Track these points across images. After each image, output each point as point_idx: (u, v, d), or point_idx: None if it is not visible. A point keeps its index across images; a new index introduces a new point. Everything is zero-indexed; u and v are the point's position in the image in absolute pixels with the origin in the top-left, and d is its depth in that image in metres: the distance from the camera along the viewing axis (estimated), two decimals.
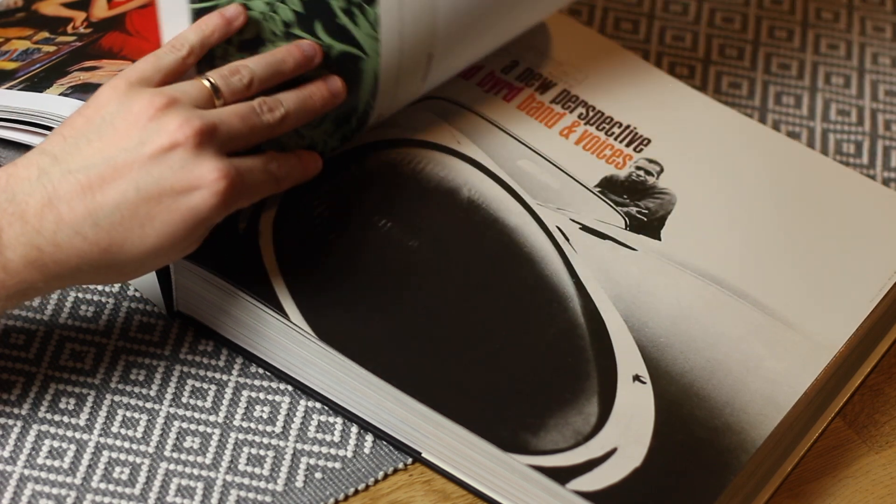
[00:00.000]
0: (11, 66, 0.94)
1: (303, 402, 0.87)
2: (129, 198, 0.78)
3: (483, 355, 0.85)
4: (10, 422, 0.85)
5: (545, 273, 0.89)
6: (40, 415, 0.85)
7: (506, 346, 0.85)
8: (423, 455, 0.85)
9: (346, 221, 0.89)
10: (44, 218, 0.78)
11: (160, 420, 0.86)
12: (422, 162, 0.93)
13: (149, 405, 0.86)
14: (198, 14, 0.83)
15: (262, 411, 0.87)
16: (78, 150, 0.79)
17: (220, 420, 0.86)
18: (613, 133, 0.97)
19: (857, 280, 0.91)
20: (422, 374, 0.83)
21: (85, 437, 0.85)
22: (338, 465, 0.85)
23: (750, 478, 0.83)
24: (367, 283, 0.87)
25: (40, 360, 0.87)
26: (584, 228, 0.91)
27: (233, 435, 0.86)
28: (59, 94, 0.88)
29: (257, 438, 0.86)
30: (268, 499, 0.83)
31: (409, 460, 0.86)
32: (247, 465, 0.84)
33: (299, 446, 0.85)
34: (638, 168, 0.95)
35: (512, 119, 0.97)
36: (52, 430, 0.85)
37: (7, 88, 0.90)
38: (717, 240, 0.92)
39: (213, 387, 0.87)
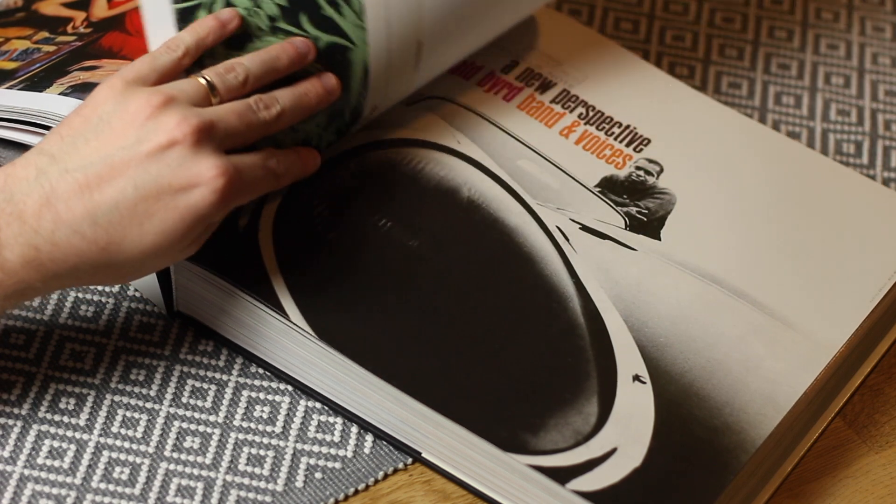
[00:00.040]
0: (11, 65, 0.94)
1: (303, 402, 0.87)
2: (127, 196, 0.78)
3: (483, 355, 0.85)
4: (10, 422, 0.85)
5: (545, 273, 0.89)
6: (40, 415, 0.85)
7: (505, 345, 0.85)
8: (423, 455, 0.85)
9: (346, 221, 0.89)
10: (42, 217, 0.78)
11: (160, 420, 0.86)
12: (422, 162, 0.93)
13: (149, 405, 0.86)
14: (181, 14, 0.84)
15: (262, 411, 0.87)
16: (76, 150, 0.79)
17: (220, 420, 0.86)
18: (613, 133, 0.97)
19: (857, 280, 0.91)
20: (422, 374, 0.83)
21: (85, 437, 0.85)
22: (338, 465, 0.85)
23: (750, 478, 0.83)
24: (367, 282, 0.87)
25: (40, 360, 0.87)
26: (584, 228, 0.91)
27: (233, 435, 0.86)
28: (59, 94, 0.88)
29: (257, 438, 0.86)
30: (268, 499, 0.83)
31: (409, 460, 0.86)
32: (247, 465, 0.84)
33: (299, 446, 0.85)
34: (638, 168, 0.95)
35: (512, 119, 0.97)
36: (52, 430, 0.85)
37: (7, 88, 0.90)
38: (717, 240, 0.92)
39: (213, 387, 0.87)
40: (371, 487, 0.85)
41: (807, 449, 0.87)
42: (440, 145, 0.94)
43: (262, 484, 0.84)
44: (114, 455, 0.84)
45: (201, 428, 0.86)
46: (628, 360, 0.85)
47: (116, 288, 0.91)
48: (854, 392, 0.90)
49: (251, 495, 0.83)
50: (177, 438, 0.85)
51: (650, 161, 0.96)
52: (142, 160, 0.78)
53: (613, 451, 0.82)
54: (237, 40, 0.85)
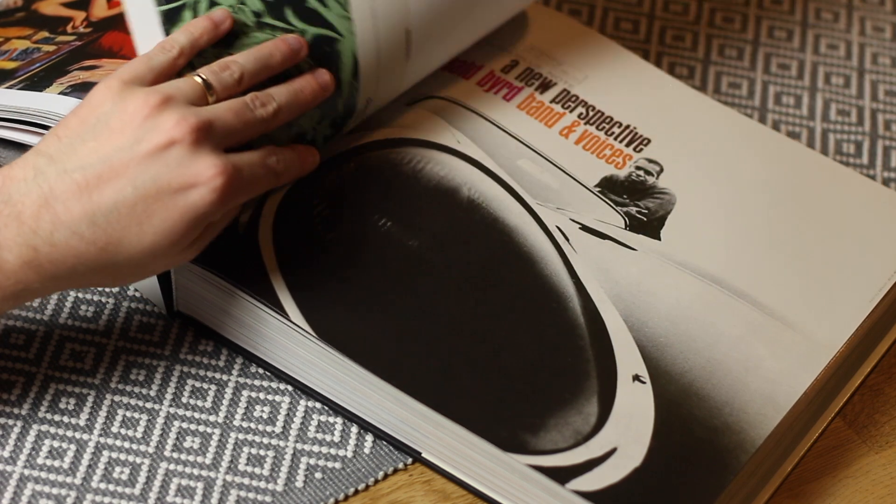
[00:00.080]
0: (11, 65, 0.94)
1: (303, 402, 0.87)
2: (126, 196, 0.78)
3: (483, 355, 0.85)
4: (10, 422, 0.85)
5: (545, 273, 0.89)
6: (40, 415, 0.85)
7: (505, 345, 0.85)
8: (423, 455, 0.85)
9: (346, 221, 0.89)
10: (40, 218, 0.78)
11: (160, 420, 0.86)
12: (421, 161, 0.93)
13: (149, 405, 0.86)
14: (166, 16, 0.84)
15: (262, 411, 0.87)
16: (74, 151, 0.79)
17: (220, 420, 0.86)
18: (613, 133, 0.97)
19: (857, 280, 0.91)
20: (421, 374, 0.83)
21: (85, 437, 0.85)
22: (338, 465, 0.85)
23: (750, 478, 0.83)
24: (367, 282, 0.87)
25: (40, 360, 0.87)
26: (584, 228, 0.91)
27: (233, 435, 0.86)
28: (59, 94, 0.88)
29: (257, 438, 0.86)
30: (268, 499, 0.83)
31: (409, 460, 0.86)
32: (247, 465, 0.84)
33: (299, 446, 0.85)
34: (638, 168, 0.95)
35: (512, 118, 0.97)
36: (52, 430, 0.85)
37: (7, 88, 0.90)
38: (716, 240, 0.92)
39: (213, 387, 0.87)
40: (371, 487, 0.85)
41: (807, 449, 0.87)
42: (440, 145, 0.94)
43: (262, 484, 0.84)
44: (114, 455, 0.84)
45: (201, 428, 0.86)
46: (628, 360, 0.85)
47: (116, 288, 0.91)
48: (854, 392, 0.90)
49: (251, 495, 0.83)
50: (177, 438, 0.85)
51: (650, 161, 0.96)
52: (141, 160, 0.78)
53: (613, 451, 0.82)
54: (225, 38, 0.85)
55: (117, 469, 0.84)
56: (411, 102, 0.96)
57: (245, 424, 0.86)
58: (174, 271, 0.87)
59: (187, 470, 0.84)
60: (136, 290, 0.91)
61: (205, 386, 0.87)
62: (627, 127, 0.98)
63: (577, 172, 0.94)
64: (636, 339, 0.86)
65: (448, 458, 0.84)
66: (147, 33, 0.84)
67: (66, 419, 0.85)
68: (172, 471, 0.84)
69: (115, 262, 0.79)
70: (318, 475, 0.85)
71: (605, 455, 0.81)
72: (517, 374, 0.84)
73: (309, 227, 0.88)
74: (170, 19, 0.84)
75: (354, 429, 0.87)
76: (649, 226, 0.92)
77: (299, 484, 0.84)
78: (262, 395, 0.87)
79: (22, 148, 0.89)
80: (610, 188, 0.94)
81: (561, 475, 0.80)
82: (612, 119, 0.98)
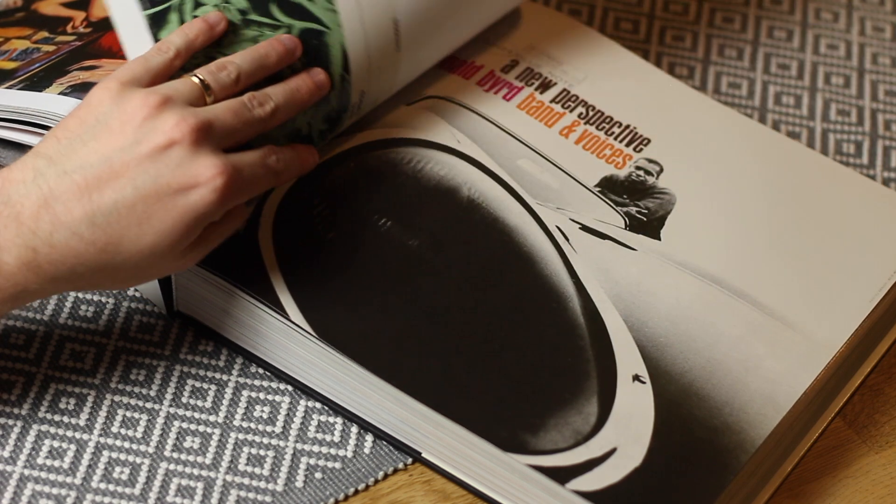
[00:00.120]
0: (11, 65, 0.94)
1: (303, 402, 0.87)
2: (126, 196, 0.78)
3: (483, 355, 0.85)
4: (10, 422, 0.85)
5: (545, 273, 0.89)
6: (40, 415, 0.85)
7: (505, 345, 0.85)
8: (423, 455, 0.85)
9: (346, 220, 0.89)
10: (40, 219, 0.78)
11: (160, 420, 0.86)
12: (421, 161, 0.93)
13: (149, 405, 0.86)
14: (153, 19, 0.84)
15: (262, 411, 0.87)
16: (73, 152, 0.79)
17: (220, 420, 0.86)
18: (613, 133, 0.97)
19: (857, 280, 0.91)
20: (421, 374, 0.83)
21: (85, 437, 0.85)
22: (338, 465, 0.85)
23: (750, 478, 0.83)
24: (367, 282, 0.87)
25: (40, 360, 0.87)
26: (584, 228, 0.91)
27: (233, 435, 0.86)
28: (59, 94, 0.88)
29: (257, 438, 0.86)
30: (268, 499, 0.83)
31: (409, 460, 0.86)
32: (247, 465, 0.85)
33: (299, 446, 0.85)
34: (638, 168, 0.95)
35: (512, 118, 0.97)
36: (52, 430, 0.85)
37: (7, 88, 0.90)
38: (716, 240, 0.92)
39: (213, 387, 0.87)
40: (371, 487, 0.85)
41: (807, 449, 0.87)
42: (440, 145, 0.94)
43: (262, 484, 0.84)
44: (114, 455, 0.84)
45: (201, 428, 0.86)
46: (628, 360, 0.85)
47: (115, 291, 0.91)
48: (854, 392, 0.90)
49: (251, 495, 0.83)
50: (177, 438, 0.85)
51: (650, 161, 0.96)
52: (141, 161, 0.78)
53: (613, 451, 0.82)
54: None
55: (117, 469, 0.84)
56: (411, 102, 0.96)
57: (245, 424, 0.86)
58: None
59: (187, 470, 0.84)
60: (136, 290, 0.91)
61: (205, 386, 0.87)
62: (627, 127, 0.98)
63: (577, 172, 0.94)
64: (636, 339, 0.86)
65: (448, 458, 0.84)
66: (135, 38, 0.84)
67: (66, 419, 0.85)
68: (172, 471, 0.84)
69: (114, 262, 0.79)
70: (318, 475, 0.85)
71: (605, 455, 0.81)
72: (517, 374, 0.84)
73: (309, 227, 0.88)
74: (156, 23, 0.84)
75: (354, 429, 0.87)
76: (649, 226, 0.92)
77: (299, 484, 0.84)
78: (262, 395, 0.87)
79: (21, 148, 0.89)
80: (610, 188, 0.94)
81: (561, 475, 0.80)
82: (612, 119, 0.98)
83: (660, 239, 0.92)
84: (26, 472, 0.83)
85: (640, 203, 0.93)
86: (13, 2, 1.01)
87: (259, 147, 0.83)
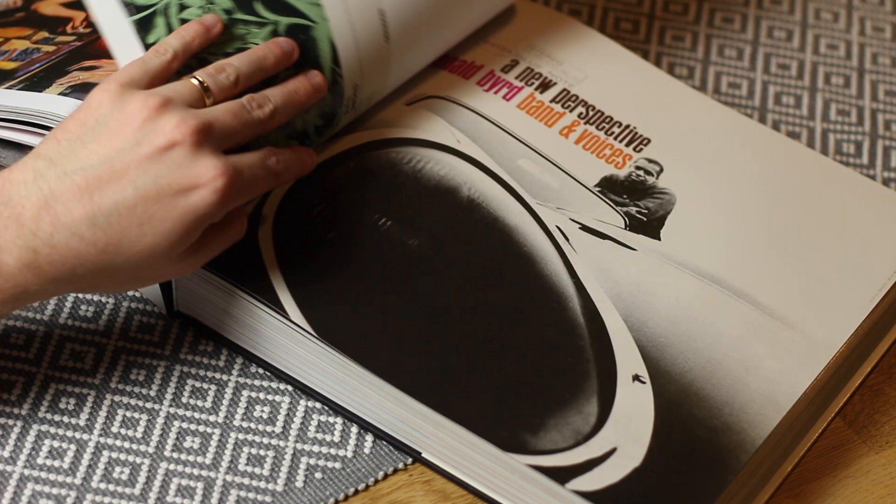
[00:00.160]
0: (11, 65, 0.94)
1: (303, 402, 0.87)
2: (127, 197, 0.78)
3: (482, 355, 0.85)
4: (10, 422, 0.85)
5: (545, 273, 0.89)
6: (40, 415, 0.85)
7: (505, 345, 0.85)
8: (423, 455, 0.85)
9: (346, 220, 0.89)
10: (40, 220, 0.78)
11: (160, 420, 0.86)
12: (421, 161, 0.93)
13: (149, 405, 0.86)
14: (140, 25, 0.84)
15: (262, 411, 0.87)
16: (74, 153, 0.79)
17: (220, 420, 0.86)
18: (613, 133, 0.97)
19: (857, 280, 0.91)
20: (421, 374, 0.83)
21: (85, 437, 0.85)
22: (338, 465, 0.85)
23: (750, 478, 0.83)
24: (367, 282, 0.87)
25: (40, 360, 0.87)
26: (584, 228, 0.91)
27: (233, 435, 0.86)
28: (59, 94, 0.88)
29: (257, 438, 0.86)
30: (268, 499, 0.83)
31: (409, 460, 0.86)
32: (247, 465, 0.85)
33: (299, 446, 0.85)
34: (638, 168, 0.95)
35: (512, 118, 0.97)
36: (52, 430, 0.85)
37: (6, 88, 0.90)
38: (716, 240, 0.92)
39: (213, 387, 0.87)
40: (371, 487, 0.85)
41: (807, 449, 0.87)
42: (440, 144, 0.94)
43: (262, 484, 0.84)
44: (114, 455, 0.84)
45: (201, 428, 0.86)
46: (628, 360, 0.85)
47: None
48: (854, 392, 0.90)
49: (251, 495, 0.83)
50: (177, 438, 0.85)
51: (650, 161, 0.96)
52: (142, 162, 0.79)
53: (613, 450, 0.82)
54: None
55: (117, 469, 0.84)
56: (411, 102, 0.96)
57: (245, 424, 0.86)
58: None
59: (187, 470, 0.84)
60: (136, 290, 0.91)
61: (205, 386, 0.87)
62: (627, 127, 0.98)
63: (576, 172, 0.94)
64: (636, 339, 0.86)
65: (448, 458, 0.84)
66: (124, 44, 0.85)
67: (66, 419, 0.85)
68: (172, 471, 0.84)
69: (114, 263, 0.79)
70: (318, 475, 0.85)
71: (605, 455, 0.81)
72: (517, 374, 0.84)
73: (309, 227, 0.88)
74: (143, 27, 0.85)
75: (354, 429, 0.87)
76: (649, 226, 0.92)
77: (299, 484, 0.84)
78: (262, 395, 0.87)
79: (21, 148, 0.89)
80: (610, 188, 0.94)
81: (561, 475, 0.80)
82: (611, 119, 0.98)
83: (660, 239, 0.92)
84: (26, 472, 0.83)
85: (640, 203, 0.93)
86: (13, 2, 1.01)
87: (258, 149, 0.84)
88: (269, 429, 0.86)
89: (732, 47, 1.12)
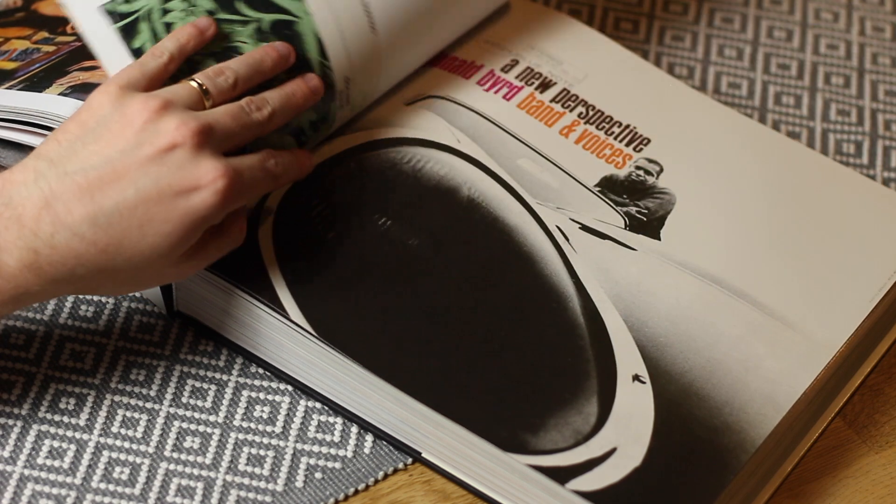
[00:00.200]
0: (11, 65, 0.94)
1: (303, 402, 0.87)
2: (128, 198, 0.78)
3: (482, 355, 0.85)
4: (10, 422, 0.85)
5: (545, 273, 0.89)
6: (40, 415, 0.85)
7: (505, 345, 0.85)
8: (423, 455, 0.85)
9: (346, 220, 0.89)
10: (41, 220, 0.78)
11: (160, 420, 0.86)
12: (421, 160, 0.93)
13: (149, 405, 0.86)
14: (124, 32, 0.85)
15: (262, 411, 0.87)
16: (74, 153, 0.79)
17: (220, 420, 0.86)
18: (613, 132, 0.97)
19: (857, 280, 0.91)
20: (421, 374, 0.83)
21: (85, 437, 0.85)
22: (338, 465, 0.85)
23: (750, 478, 0.83)
24: (367, 281, 0.87)
25: (40, 360, 0.87)
26: (584, 228, 0.91)
27: (233, 435, 0.86)
28: (59, 94, 0.88)
29: (257, 438, 0.86)
30: (268, 499, 0.83)
31: (409, 460, 0.86)
32: (247, 465, 0.85)
33: (299, 446, 0.85)
34: (638, 168, 0.95)
35: (512, 118, 0.97)
36: (52, 430, 0.85)
37: (6, 88, 0.90)
38: (716, 240, 0.92)
39: (213, 387, 0.87)
40: (371, 487, 0.85)
41: (807, 449, 0.87)
42: (440, 144, 0.94)
43: (262, 484, 0.84)
44: (114, 455, 0.84)
45: (201, 428, 0.86)
46: (628, 360, 0.85)
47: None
48: (854, 392, 0.90)
49: (251, 495, 0.83)
50: (177, 438, 0.85)
51: (650, 161, 0.96)
52: (143, 163, 0.79)
53: (613, 450, 0.82)
54: None
55: (117, 469, 0.84)
56: (411, 102, 0.96)
57: (245, 424, 0.86)
58: None
59: (187, 470, 0.84)
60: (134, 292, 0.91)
61: (205, 386, 0.87)
62: (627, 127, 0.98)
63: (576, 172, 0.94)
64: (636, 339, 0.86)
65: (448, 458, 0.84)
66: (110, 52, 0.85)
67: (66, 419, 0.85)
68: (172, 471, 0.84)
69: (114, 264, 0.79)
70: (318, 475, 0.85)
71: (605, 455, 0.81)
72: (517, 374, 0.84)
73: (309, 227, 0.88)
74: (128, 34, 0.85)
75: (354, 429, 0.87)
76: (649, 226, 0.92)
77: (299, 484, 0.84)
78: (262, 395, 0.87)
79: (22, 148, 0.89)
80: (610, 188, 0.94)
81: (561, 475, 0.80)
82: (611, 119, 0.98)
83: (660, 239, 0.92)
84: (26, 472, 0.83)
85: (640, 203, 0.93)
86: (13, 2, 1.01)
87: (257, 151, 0.84)
88: (269, 429, 0.86)
89: (732, 47, 1.12)
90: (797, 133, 1.06)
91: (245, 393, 0.87)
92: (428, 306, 0.86)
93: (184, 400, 0.87)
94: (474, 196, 0.92)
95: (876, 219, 0.94)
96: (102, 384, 0.87)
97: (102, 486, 0.83)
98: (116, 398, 0.86)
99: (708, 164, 0.96)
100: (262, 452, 0.85)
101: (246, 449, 0.85)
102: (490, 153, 0.94)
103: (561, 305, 0.87)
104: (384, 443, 0.86)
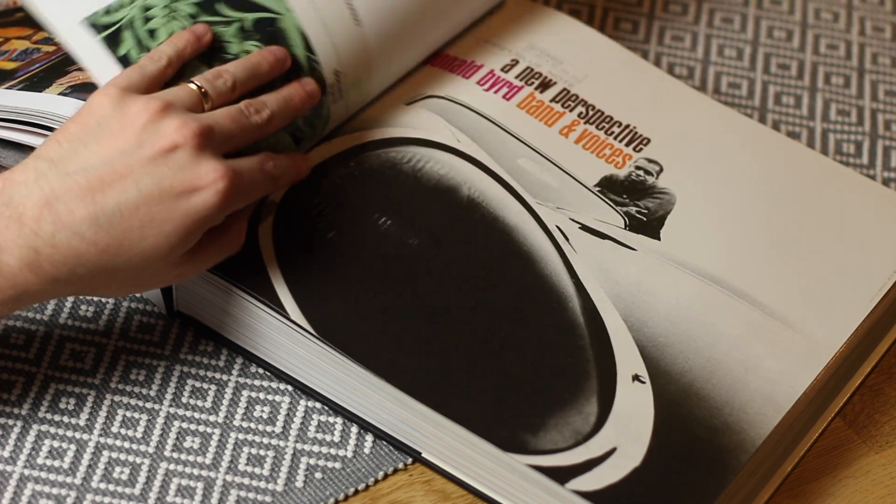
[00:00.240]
0: (11, 65, 0.94)
1: (303, 402, 0.87)
2: (129, 198, 0.79)
3: (482, 355, 0.85)
4: (10, 422, 0.85)
5: (545, 273, 0.89)
6: (40, 415, 0.85)
7: (505, 345, 0.85)
8: (423, 455, 0.85)
9: (346, 220, 0.89)
10: (42, 220, 0.78)
11: (160, 420, 0.86)
12: (421, 160, 0.93)
13: (149, 405, 0.86)
14: (109, 41, 0.85)
15: (262, 411, 0.87)
16: (75, 154, 0.79)
17: (220, 420, 0.86)
18: (613, 132, 0.97)
19: (857, 280, 0.91)
20: (421, 374, 0.83)
21: (85, 437, 0.85)
22: (338, 465, 0.85)
23: (750, 478, 0.83)
24: (367, 281, 0.87)
25: (40, 360, 0.87)
26: (584, 228, 0.91)
27: (233, 435, 0.86)
28: (59, 94, 0.88)
29: (257, 438, 0.86)
30: (268, 499, 0.83)
31: (409, 460, 0.86)
32: (247, 465, 0.85)
33: (299, 446, 0.85)
34: (637, 168, 0.95)
35: (512, 117, 0.97)
36: (52, 430, 0.85)
37: (7, 88, 0.90)
38: (716, 240, 0.92)
39: (213, 387, 0.87)
40: (371, 487, 0.85)
41: (807, 449, 0.87)
42: (440, 144, 0.94)
43: (262, 484, 0.84)
44: (114, 455, 0.84)
45: (201, 428, 0.86)
46: (628, 360, 0.85)
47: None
48: (854, 392, 0.90)
49: (251, 495, 0.83)
50: (177, 438, 0.85)
51: (650, 161, 0.96)
52: (144, 164, 0.79)
53: (613, 450, 0.82)
54: None
55: (117, 469, 0.84)
56: (410, 101, 0.96)
57: (245, 424, 0.86)
58: None
59: (187, 470, 0.84)
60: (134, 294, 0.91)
61: (205, 386, 0.87)
62: (627, 126, 0.98)
63: (576, 172, 0.94)
64: (636, 339, 0.86)
65: (448, 458, 0.84)
66: (98, 63, 0.86)
67: (66, 419, 0.85)
68: (172, 471, 0.84)
69: (114, 264, 0.79)
70: (318, 475, 0.85)
71: (605, 455, 0.81)
72: (517, 374, 0.84)
73: (309, 227, 0.88)
74: (113, 43, 0.85)
75: (354, 429, 0.87)
76: (649, 226, 0.92)
77: (299, 484, 0.84)
78: (262, 395, 0.87)
79: (22, 148, 0.89)
80: (610, 188, 0.94)
81: (561, 475, 0.80)
82: (611, 118, 0.98)
83: (660, 239, 0.92)
84: (26, 472, 0.83)
85: (639, 203, 0.93)
86: (13, 2, 1.01)
87: (256, 153, 0.84)
88: (269, 429, 0.86)
89: (732, 47, 1.12)
90: (797, 133, 1.06)
91: (245, 393, 0.87)
92: (428, 306, 0.86)
93: (184, 400, 0.87)
94: (474, 196, 0.92)
95: (876, 219, 0.94)
96: (102, 384, 0.87)
97: (102, 486, 0.83)
98: (116, 398, 0.86)
99: (708, 164, 0.96)
100: (262, 452, 0.85)
101: (246, 449, 0.85)
102: (490, 153, 0.94)
103: (561, 305, 0.87)
104: (384, 443, 0.86)
